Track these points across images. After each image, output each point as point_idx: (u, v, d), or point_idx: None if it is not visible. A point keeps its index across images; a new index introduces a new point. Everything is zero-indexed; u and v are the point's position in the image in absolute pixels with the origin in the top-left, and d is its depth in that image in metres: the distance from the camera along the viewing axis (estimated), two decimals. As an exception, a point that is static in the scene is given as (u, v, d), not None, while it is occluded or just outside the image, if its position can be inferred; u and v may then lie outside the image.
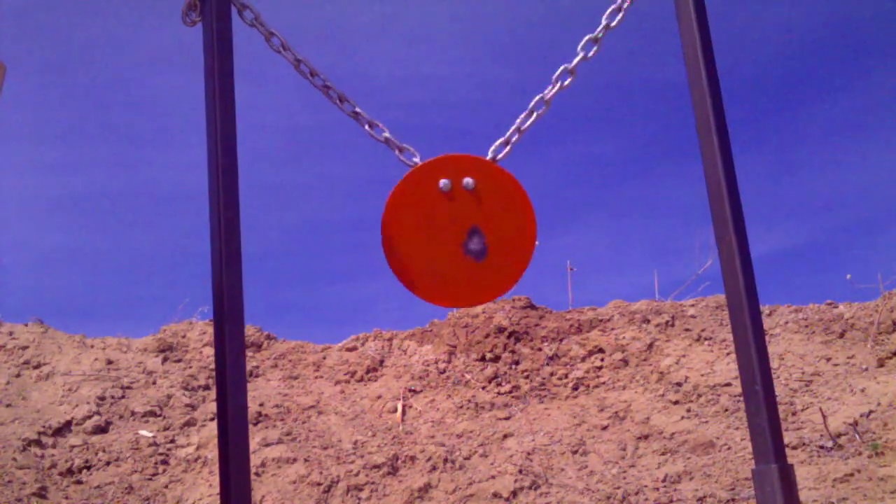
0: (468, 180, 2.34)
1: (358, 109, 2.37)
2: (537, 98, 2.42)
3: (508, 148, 2.41)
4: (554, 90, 2.42)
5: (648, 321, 6.65)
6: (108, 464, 4.95)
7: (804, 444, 4.90)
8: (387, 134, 2.38)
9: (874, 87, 10.89)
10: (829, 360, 5.86)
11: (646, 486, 4.71)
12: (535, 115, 2.42)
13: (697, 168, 2.21)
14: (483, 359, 6.28)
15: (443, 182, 2.33)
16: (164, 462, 5.07)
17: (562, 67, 2.43)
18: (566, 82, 2.43)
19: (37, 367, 5.75)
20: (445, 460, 5.04)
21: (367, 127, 2.37)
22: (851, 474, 4.44)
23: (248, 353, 6.41)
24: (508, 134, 2.41)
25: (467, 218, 2.34)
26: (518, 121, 2.41)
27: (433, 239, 2.32)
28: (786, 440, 4.78)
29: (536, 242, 2.38)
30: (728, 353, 6.04)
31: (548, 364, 6.28)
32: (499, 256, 2.33)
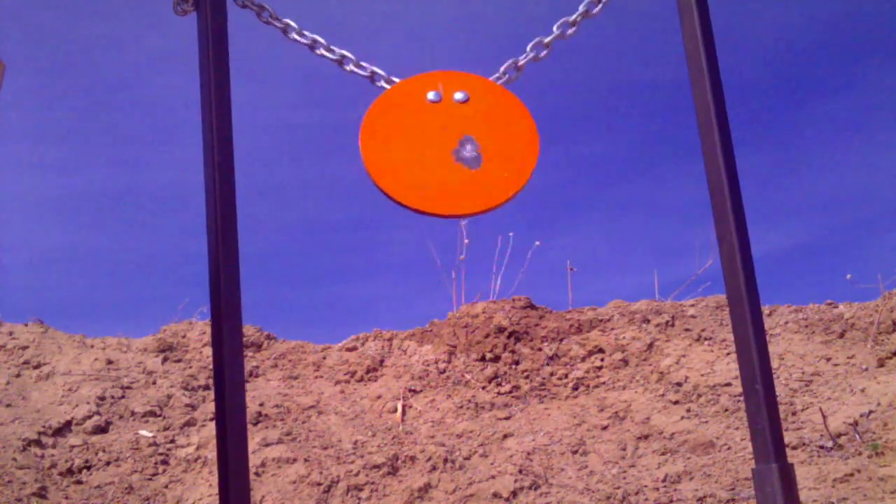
0: (460, 94, 2.27)
1: (344, 52, 2.38)
2: (536, 40, 2.43)
3: (505, 79, 2.40)
4: (553, 36, 2.44)
5: (648, 321, 6.64)
6: (108, 464, 4.95)
7: (804, 444, 4.90)
8: (373, 68, 2.37)
9: (875, 87, 10.89)
10: (829, 360, 5.86)
11: (646, 486, 4.71)
12: (532, 54, 2.43)
13: (698, 167, 2.20)
14: (483, 359, 6.28)
15: (431, 94, 2.26)
16: (164, 462, 5.07)
17: (562, 19, 2.45)
18: (568, 32, 2.44)
19: (37, 367, 5.75)
20: (445, 460, 5.03)
21: (352, 66, 2.37)
22: (851, 474, 4.44)
23: (248, 353, 6.41)
24: (504, 67, 2.41)
25: (458, 127, 2.24)
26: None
27: (419, 148, 2.22)
28: (786, 440, 4.77)
29: (538, 153, 2.27)
30: (728, 353, 6.03)
31: (548, 364, 6.28)
32: (495, 164, 2.24)
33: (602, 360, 6.28)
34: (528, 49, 2.43)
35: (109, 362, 5.89)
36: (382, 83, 2.34)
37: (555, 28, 2.43)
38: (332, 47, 2.38)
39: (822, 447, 4.83)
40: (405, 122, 2.23)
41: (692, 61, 2.26)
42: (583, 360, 6.30)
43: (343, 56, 2.37)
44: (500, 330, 6.46)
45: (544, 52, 2.42)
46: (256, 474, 4.83)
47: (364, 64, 2.37)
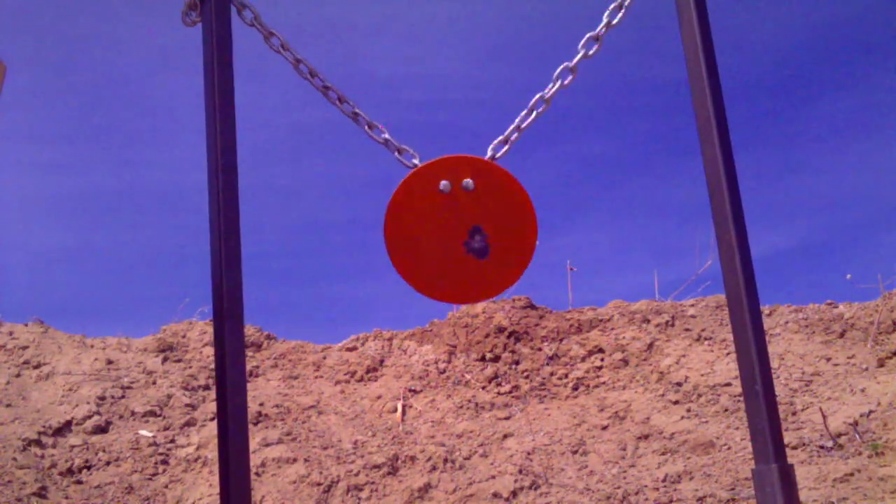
0: (467, 181, 2.37)
1: (357, 110, 2.37)
2: (537, 96, 2.42)
3: (507, 146, 2.41)
4: (554, 88, 2.42)
5: (648, 321, 6.65)
6: (108, 464, 4.95)
7: (804, 444, 4.90)
8: (386, 135, 2.38)
9: (875, 87, 10.89)
10: (829, 360, 5.86)
11: (646, 486, 4.71)
12: (534, 113, 2.42)
13: (698, 167, 2.20)
14: (483, 359, 6.28)
15: (443, 184, 2.36)
16: (164, 462, 5.07)
17: (563, 65, 2.43)
18: (567, 81, 2.43)
19: (37, 367, 5.75)
20: (445, 460, 5.04)
21: (366, 128, 2.37)
22: (851, 474, 4.44)
23: (248, 353, 6.41)
24: (508, 132, 2.42)
25: (468, 217, 2.37)
26: (517, 119, 2.42)
27: (435, 239, 2.36)
28: (786, 440, 4.78)
29: (537, 241, 2.41)
30: (728, 353, 6.04)
31: (548, 364, 6.28)
32: (500, 254, 2.38)
33: (602, 360, 6.28)
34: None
35: (109, 362, 5.89)
36: (396, 154, 2.38)
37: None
38: (346, 99, 2.36)
39: (822, 447, 4.83)
40: (422, 217, 2.37)
41: (691, 61, 2.26)
42: (583, 360, 6.30)
43: (357, 114, 2.37)
44: (500, 330, 6.46)
45: (570, 77, 2.41)
46: (256, 474, 4.84)
47: (378, 125, 2.37)
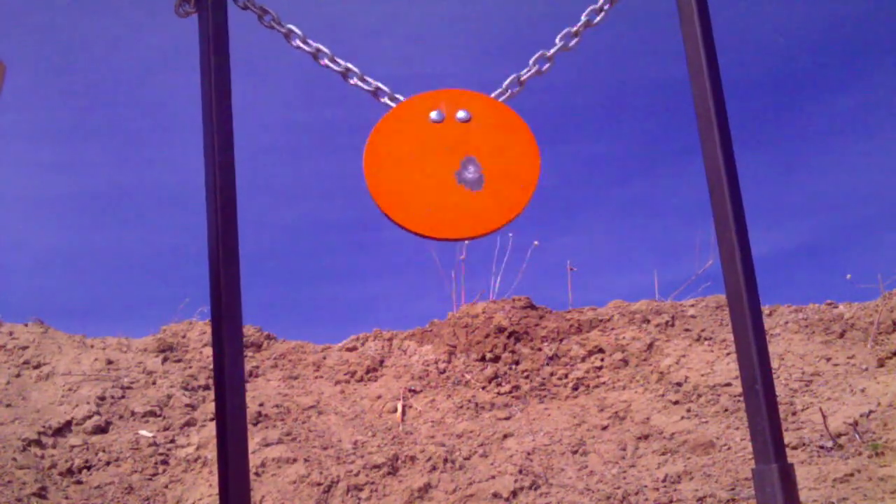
0: (462, 113, 2.26)
1: (348, 65, 2.36)
2: (539, 53, 2.42)
3: (508, 95, 2.39)
4: (556, 48, 2.42)
5: (648, 321, 6.64)
6: (108, 464, 4.95)
7: (804, 444, 4.90)
8: (377, 84, 2.36)
9: (876, 87, 10.89)
10: (829, 360, 5.86)
11: (646, 486, 4.71)
12: (535, 68, 2.42)
13: (698, 167, 2.20)
14: (483, 359, 6.28)
15: (434, 113, 2.25)
16: (164, 462, 5.06)
17: (565, 30, 2.43)
18: (571, 43, 2.43)
19: (37, 367, 5.75)
20: (445, 460, 5.03)
21: (356, 80, 2.36)
22: (851, 474, 4.44)
23: (248, 353, 6.41)
24: (507, 83, 2.40)
25: (461, 148, 2.24)
26: (516, 74, 2.40)
27: (422, 169, 2.21)
28: (786, 440, 4.77)
29: (539, 172, 2.26)
30: (728, 353, 6.03)
31: (548, 364, 6.28)
32: (497, 186, 2.23)
33: (602, 360, 6.28)
34: (530, 63, 2.41)
35: (109, 362, 5.88)
36: (386, 100, 2.33)
37: (557, 39, 2.41)
38: (336, 59, 2.35)
39: (822, 447, 4.82)
40: (408, 144, 2.22)
41: (692, 61, 2.26)
42: (583, 360, 6.30)
43: (347, 69, 2.35)
44: (500, 330, 6.46)
45: (547, 65, 2.41)
46: (256, 474, 4.83)
47: (368, 79, 2.34)
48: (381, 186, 2.20)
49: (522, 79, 2.39)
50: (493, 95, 2.34)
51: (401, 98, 2.31)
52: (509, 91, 2.37)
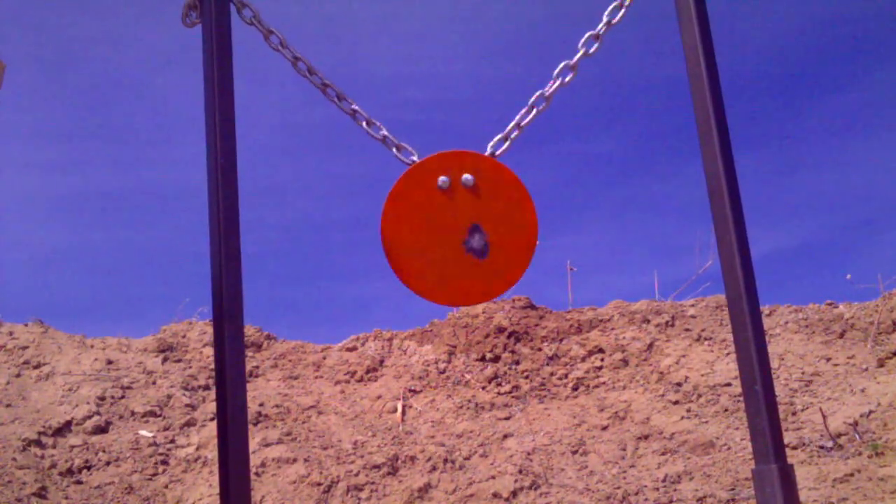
0: (467, 177, 2.32)
1: (356, 107, 2.36)
2: (537, 94, 2.41)
3: (507, 144, 2.40)
4: (554, 86, 2.41)
5: (648, 321, 6.65)
6: (108, 464, 4.95)
7: (804, 444, 4.90)
8: (384, 132, 2.37)
9: (875, 86, 10.89)
10: (829, 360, 5.86)
11: (646, 486, 4.71)
12: (534, 111, 2.41)
13: (698, 167, 2.20)
14: (483, 359, 6.28)
15: (441, 179, 2.31)
16: (164, 462, 5.07)
17: (563, 63, 2.42)
18: (567, 79, 2.42)
19: (37, 367, 5.75)
20: (445, 460, 5.04)
21: (364, 125, 2.36)
22: (851, 474, 4.44)
23: (248, 353, 6.41)
24: (508, 129, 2.40)
25: (467, 215, 2.31)
26: (518, 117, 2.41)
27: (434, 237, 2.29)
28: (786, 440, 4.78)
29: (537, 241, 2.36)
30: (728, 353, 6.04)
31: (548, 364, 6.28)
32: (500, 253, 2.30)
33: (602, 360, 6.28)
34: (554, 75, 2.39)
35: (109, 362, 5.89)
36: (394, 150, 2.35)
37: (554, 74, 2.40)
38: (345, 96, 2.35)
39: (822, 447, 4.83)
40: (420, 214, 2.29)
41: (691, 61, 2.26)
42: (583, 360, 6.30)
43: (355, 111, 2.35)
44: (500, 330, 6.46)
45: (570, 75, 2.40)
46: (256, 474, 4.84)
47: (376, 123, 2.35)
48: (401, 260, 2.29)
49: (522, 124, 2.40)
50: (493, 143, 2.38)
51: (407, 148, 2.35)
52: (509, 139, 2.39)
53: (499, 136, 2.40)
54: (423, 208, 2.30)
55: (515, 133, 2.40)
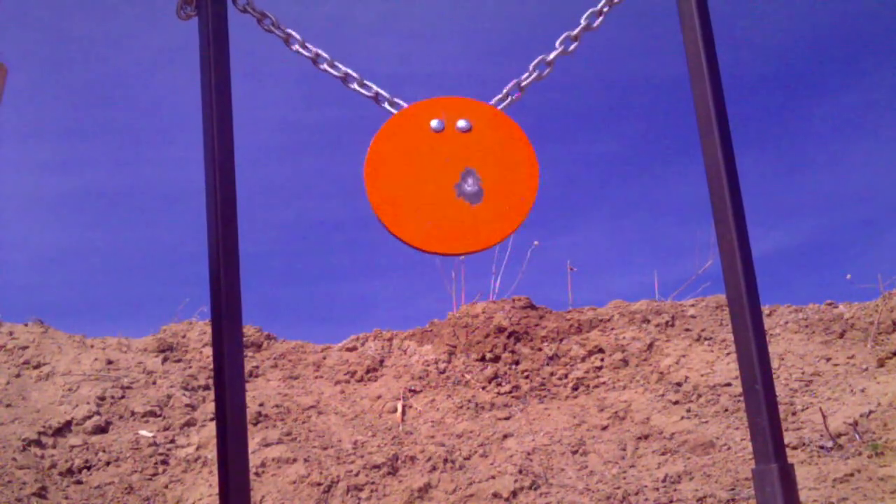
0: (463, 122, 2.24)
1: (347, 70, 2.35)
2: (539, 58, 2.41)
3: (508, 101, 2.38)
4: (556, 53, 2.41)
5: (648, 321, 6.64)
6: (108, 464, 4.95)
7: (804, 444, 4.90)
8: (376, 88, 2.35)
9: (876, 86, 10.89)
10: (829, 360, 5.86)
11: (646, 486, 4.70)
12: (536, 73, 2.41)
13: (698, 167, 2.20)
14: (483, 359, 6.28)
15: (434, 122, 2.22)
16: (164, 462, 5.06)
17: (565, 34, 2.43)
18: (570, 48, 2.42)
19: (37, 367, 5.75)
20: (445, 460, 5.03)
21: (355, 86, 2.35)
22: (851, 474, 4.44)
23: (248, 353, 6.41)
24: (507, 89, 2.39)
25: (460, 159, 2.21)
26: (515, 80, 2.39)
27: (423, 180, 2.18)
28: (786, 440, 4.77)
29: (538, 189, 2.25)
30: (728, 353, 6.03)
31: (548, 364, 6.28)
32: (496, 199, 2.20)
33: (602, 360, 6.28)
34: (530, 68, 2.40)
35: (109, 362, 5.88)
36: (386, 105, 2.31)
37: (557, 44, 2.40)
38: (336, 63, 2.33)
39: (822, 447, 4.82)
40: (409, 153, 2.19)
41: (692, 60, 2.26)
42: (583, 360, 6.30)
43: (347, 74, 2.33)
44: (500, 330, 6.46)
45: (547, 70, 2.40)
46: (256, 474, 4.83)
47: (368, 83, 2.33)
48: (382, 198, 2.17)
49: (523, 84, 2.37)
50: (493, 102, 2.32)
51: (401, 103, 2.28)
52: (510, 97, 2.35)
53: (498, 96, 2.37)
54: (413, 150, 2.20)
55: (516, 94, 2.37)
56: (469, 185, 2.20)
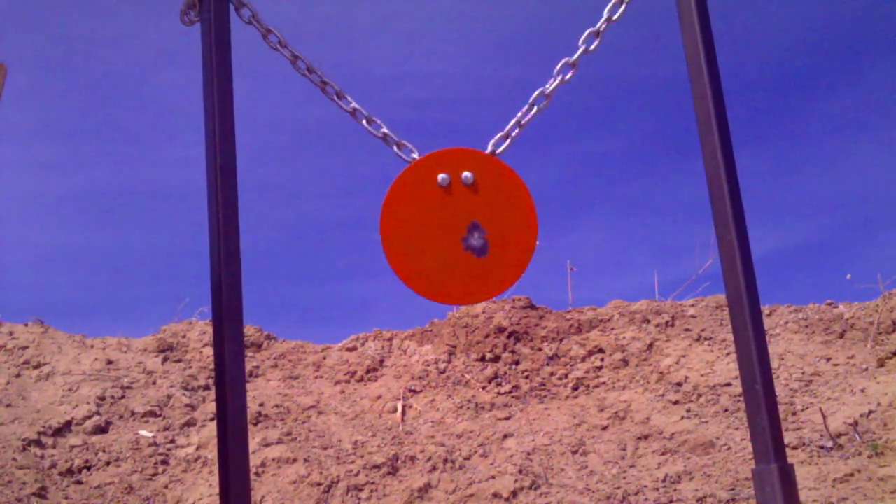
0: (467, 174, 2.31)
1: (356, 105, 2.36)
2: (538, 92, 2.41)
3: (508, 142, 2.39)
4: (555, 84, 2.41)
5: (648, 321, 6.65)
6: (108, 464, 4.95)
7: (804, 444, 4.90)
8: (385, 129, 2.36)
9: (876, 86, 10.89)
10: (829, 360, 5.86)
11: (646, 486, 4.71)
12: (535, 108, 2.41)
13: (698, 167, 2.20)
14: (483, 359, 6.28)
15: (441, 177, 2.30)
16: (164, 462, 5.07)
17: (563, 61, 2.42)
18: (567, 76, 2.42)
19: (37, 367, 5.75)
20: (445, 460, 5.03)
21: (364, 123, 2.36)
22: (851, 474, 4.44)
23: (248, 353, 6.41)
24: (508, 128, 2.40)
25: (467, 213, 2.29)
26: (518, 115, 2.40)
27: (432, 235, 2.27)
28: (786, 440, 4.78)
29: (537, 241, 2.34)
30: (728, 353, 6.03)
31: (548, 364, 6.28)
32: (500, 252, 2.29)
33: (602, 360, 6.28)
34: (554, 73, 2.38)
35: (109, 362, 5.89)
36: (394, 148, 2.34)
37: (555, 72, 2.39)
38: (344, 94, 2.34)
39: (822, 447, 4.83)
40: (420, 210, 2.28)
41: (692, 61, 2.26)
42: (583, 360, 6.30)
43: (356, 110, 2.34)
44: (500, 330, 6.46)
45: (571, 72, 2.39)
46: (256, 474, 4.83)
47: (376, 120, 2.34)
48: (399, 257, 2.27)
49: (523, 122, 2.39)
50: (494, 141, 2.37)
51: (407, 145, 2.34)
52: (510, 137, 2.37)
53: (500, 135, 2.39)
54: (423, 205, 2.29)
55: (516, 132, 2.40)
56: (475, 239, 2.29)
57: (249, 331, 6.64)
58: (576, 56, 2.42)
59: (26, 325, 6.27)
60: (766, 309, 6.73)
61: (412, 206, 2.29)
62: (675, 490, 4.64)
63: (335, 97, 2.35)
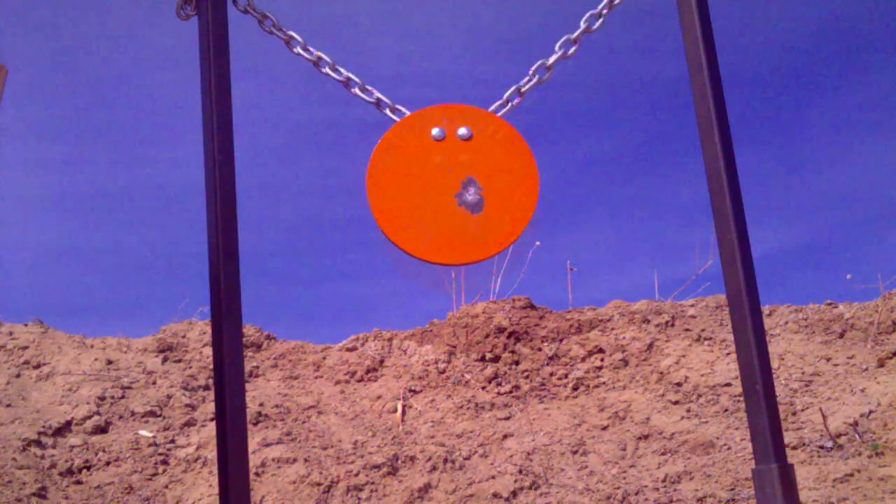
0: (464, 130, 2.23)
1: (349, 74, 2.35)
2: (539, 63, 2.41)
3: (508, 107, 2.37)
4: (556, 57, 2.41)
5: (648, 321, 6.64)
6: (108, 464, 4.95)
7: (804, 444, 4.90)
8: (378, 94, 2.34)
9: (877, 86, 10.89)
10: (829, 360, 5.86)
11: (646, 486, 4.70)
12: (536, 78, 2.40)
13: (698, 167, 2.20)
14: (483, 359, 6.28)
15: (436, 130, 2.22)
16: (164, 462, 5.06)
17: (564, 37, 2.42)
18: (570, 51, 2.42)
19: (37, 367, 5.75)
20: (445, 460, 5.03)
21: (357, 91, 2.34)
22: (851, 474, 4.44)
23: (248, 353, 6.40)
24: (508, 94, 2.39)
25: (462, 168, 2.20)
26: (521, 82, 2.39)
27: (424, 190, 2.17)
28: (786, 440, 4.77)
29: (538, 198, 2.24)
30: (728, 353, 6.03)
31: (548, 364, 6.28)
32: (497, 209, 2.19)
33: (602, 360, 6.28)
34: (530, 73, 2.39)
35: (109, 362, 5.88)
36: (388, 111, 2.30)
37: (556, 47, 2.40)
38: (338, 67, 2.32)
39: (822, 447, 4.82)
40: (410, 163, 2.18)
41: (692, 60, 2.26)
42: (583, 360, 6.30)
43: (349, 79, 2.32)
44: (500, 330, 6.46)
45: (547, 74, 2.40)
46: (256, 474, 4.83)
47: (369, 88, 2.32)
48: (384, 209, 2.17)
49: (523, 90, 2.38)
50: (493, 108, 2.31)
51: (402, 109, 2.28)
52: (510, 103, 2.35)
53: (499, 102, 2.37)
54: (414, 158, 2.19)
55: (517, 100, 2.37)
56: (470, 195, 2.19)
57: (249, 331, 6.63)
58: (577, 34, 2.41)
59: (26, 325, 6.27)
60: (766, 309, 6.73)
61: (402, 159, 2.19)
62: (675, 490, 4.64)
63: (329, 70, 2.33)
